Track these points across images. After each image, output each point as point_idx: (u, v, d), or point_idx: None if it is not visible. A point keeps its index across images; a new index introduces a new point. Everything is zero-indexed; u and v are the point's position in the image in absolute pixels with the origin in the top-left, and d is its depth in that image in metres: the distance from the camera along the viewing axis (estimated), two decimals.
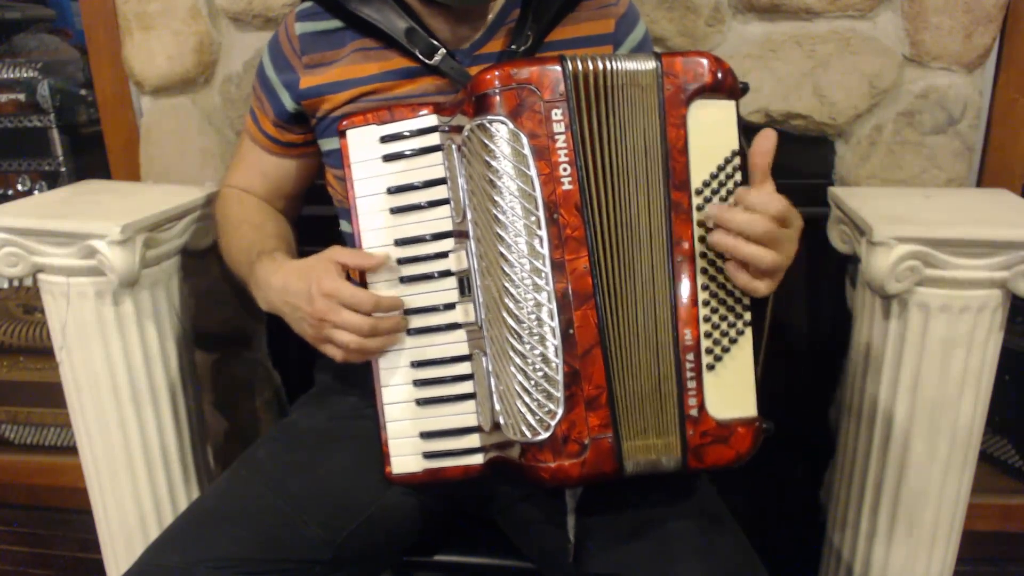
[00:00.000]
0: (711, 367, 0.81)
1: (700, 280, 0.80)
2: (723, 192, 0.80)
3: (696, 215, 0.80)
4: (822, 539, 1.36)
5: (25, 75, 1.68)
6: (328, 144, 1.01)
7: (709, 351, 0.81)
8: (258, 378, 1.62)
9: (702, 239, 0.80)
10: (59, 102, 1.69)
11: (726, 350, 0.81)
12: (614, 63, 0.79)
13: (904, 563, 1.20)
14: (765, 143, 0.79)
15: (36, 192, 1.76)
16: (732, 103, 0.80)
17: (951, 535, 1.20)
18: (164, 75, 1.42)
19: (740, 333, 0.82)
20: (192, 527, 0.88)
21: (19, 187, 1.77)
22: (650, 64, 0.79)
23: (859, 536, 1.24)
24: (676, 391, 0.80)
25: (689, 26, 1.30)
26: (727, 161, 0.80)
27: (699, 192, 0.80)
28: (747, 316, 0.82)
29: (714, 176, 0.80)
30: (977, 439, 1.16)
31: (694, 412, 0.80)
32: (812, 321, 1.45)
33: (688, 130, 0.79)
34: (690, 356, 0.80)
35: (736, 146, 0.80)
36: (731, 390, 0.82)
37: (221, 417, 1.64)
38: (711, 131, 0.80)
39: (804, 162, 1.36)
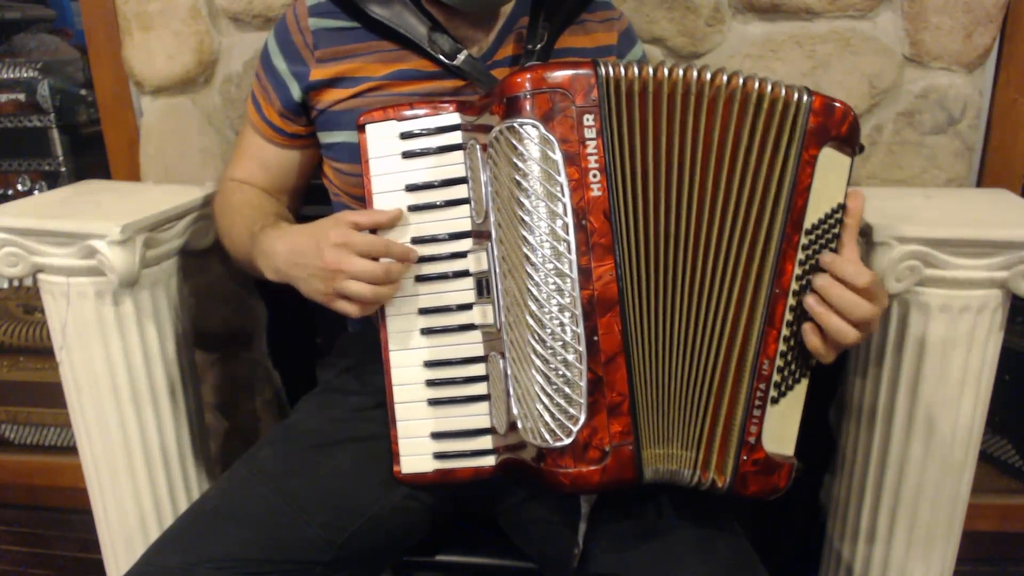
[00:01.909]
0: (775, 401, 0.81)
1: (788, 317, 0.81)
2: (824, 240, 0.81)
3: (800, 254, 0.80)
4: (822, 539, 1.36)
5: (25, 75, 1.68)
6: (329, 137, 1.01)
7: (777, 386, 0.81)
8: (258, 378, 1.63)
9: (799, 277, 0.80)
10: (59, 102, 1.69)
11: (790, 388, 0.82)
12: (657, 71, 0.78)
13: (904, 563, 1.20)
14: (858, 203, 0.81)
15: (36, 192, 1.76)
16: (849, 159, 0.81)
17: (951, 535, 1.20)
18: (164, 75, 1.43)
19: (803, 375, 0.83)
20: (193, 527, 0.88)
21: (19, 187, 1.77)
22: (805, 96, 0.79)
23: (859, 536, 1.24)
24: (741, 416, 0.80)
25: (689, 26, 1.30)
26: (833, 212, 0.81)
27: (808, 232, 0.80)
28: (812, 361, 0.83)
29: (822, 222, 0.80)
30: (977, 439, 1.16)
31: (752, 440, 0.80)
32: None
33: (815, 172, 0.79)
34: (762, 386, 0.80)
35: (843, 200, 0.81)
36: (783, 427, 0.82)
37: (221, 417, 1.64)
38: (829, 180, 0.80)
39: None
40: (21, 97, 1.69)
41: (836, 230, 0.81)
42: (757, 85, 0.78)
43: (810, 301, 0.79)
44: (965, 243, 1.06)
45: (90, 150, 1.65)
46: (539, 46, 0.94)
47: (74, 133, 1.73)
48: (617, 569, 0.84)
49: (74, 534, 1.83)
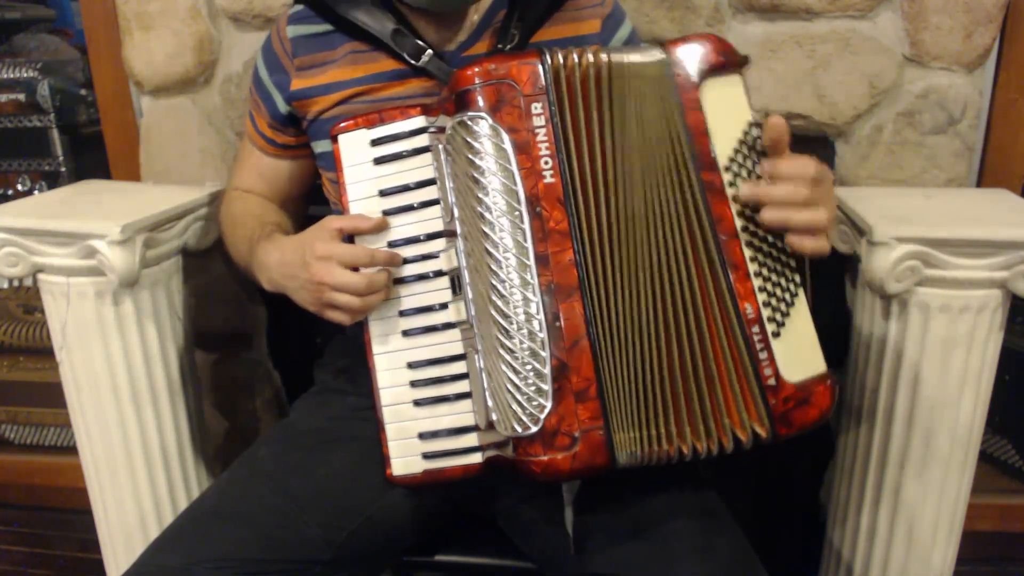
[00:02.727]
0: (776, 334, 0.81)
1: (747, 253, 0.80)
2: (748, 164, 0.81)
3: (729, 191, 0.80)
4: (822, 539, 1.36)
5: (25, 75, 1.68)
6: (320, 146, 1.02)
7: (771, 319, 0.81)
8: (258, 378, 1.63)
9: (740, 214, 0.80)
10: (59, 102, 1.69)
11: (786, 315, 0.81)
12: (602, 56, 0.79)
13: (904, 563, 1.20)
14: (775, 127, 0.79)
15: (36, 192, 1.76)
16: (739, 77, 0.81)
17: (951, 535, 1.20)
18: (164, 75, 1.43)
19: (795, 296, 0.82)
20: (192, 527, 0.88)
21: (19, 187, 1.77)
22: (657, 55, 0.79)
23: (859, 536, 1.24)
24: (750, 365, 0.80)
25: (689, 26, 1.30)
26: (745, 134, 0.81)
27: (728, 169, 0.80)
28: (797, 278, 0.82)
29: (737, 151, 0.81)
30: (977, 439, 1.16)
31: (772, 382, 0.80)
32: (812, 321, 1.45)
33: (705, 112, 0.80)
34: (755, 328, 0.80)
35: (750, 117, 0.81)
36: (799, 351, 0.81)
37: (221, 417, 1.64)
38: (725, 108, 0.80)
39: None
40: (21, 97, 1.69)
41: (758, 147, 0.81)
42: (613, 57, 0.79)
43: (766, 215, 0.79)
44: (965, 243, 1.06)
45: (90, 150, 1.65)
46: (509, 47, 0.95)
47: (74, 133, 1.73)
48: (616, 568, 0.84)
49: (74, 534, 1.83)
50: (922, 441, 1.14)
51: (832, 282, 1.35)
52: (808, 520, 1.47)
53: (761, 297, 0.80)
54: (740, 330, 0.80)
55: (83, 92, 1.71)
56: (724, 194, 0.80)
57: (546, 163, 0.78)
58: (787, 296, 0.81)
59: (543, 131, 0.78)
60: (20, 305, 1.86)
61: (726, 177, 0.80)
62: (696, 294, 0.80)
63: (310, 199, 1.18)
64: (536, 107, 0.78)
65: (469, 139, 0.78)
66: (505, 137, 0.77)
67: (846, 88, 1.29)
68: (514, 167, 0.77)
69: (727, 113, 0.80)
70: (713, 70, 0.80)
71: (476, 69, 0.78)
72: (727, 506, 0.92)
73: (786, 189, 0.77)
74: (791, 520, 1.51)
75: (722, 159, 0.80)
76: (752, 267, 0.80)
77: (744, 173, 0.80)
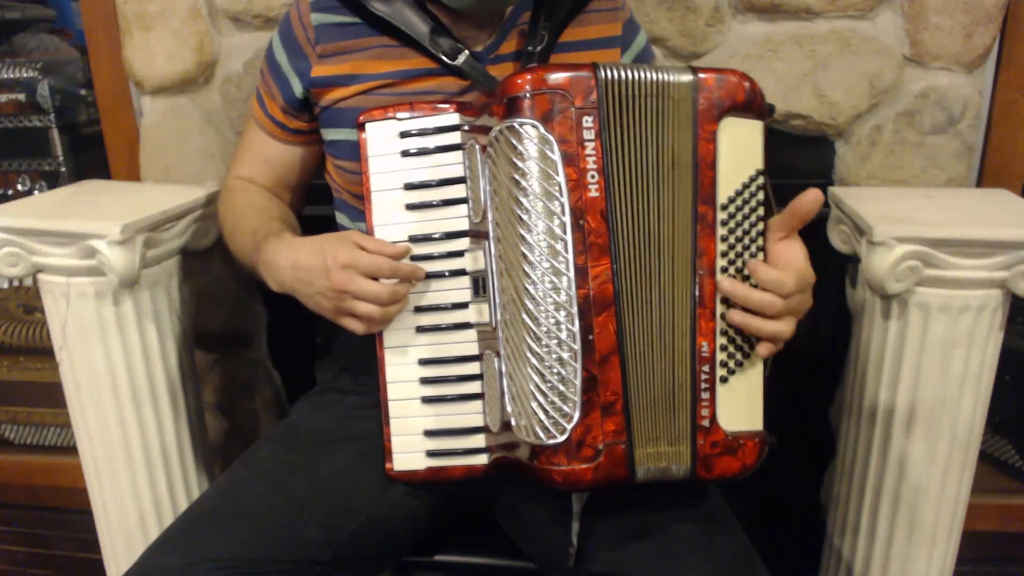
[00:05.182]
0: (724, 380, 0.82)
1: (719, 294, 0.81)
2: (746, 209, 0.81)
3: (720, 230, 0.80)
4: (822, 539, 1.36)
5: (25, 75, 1.68)
6: (331, 134, 1.01)
7: (723, 364, 0.81)
8: (258, 378, 1.62)
9: (724, 254, 0.80)
10: (59, 102, 1.69)
11: (739, 364, 0.82)
12: (648, 73, 0.79)
13: (904, 563, 1.20)
14: (808, 201, 0.79)
15: (36, 192, 1.75)
16: (760, 123, 0.81)
17: (951, 535, 1.20)
18: (164, 75, 1.42)
19: (752, 349, 0.82)
20: (192, 527, 0.88)
21: (19, 187, 1.77)
22: (686, 77, 0.79)
23: (859, 536, 1.24)
24: (690, 401, 0.81)
25: (689, 26, 1.30)
26: (752, 180, 0.81)
27: (724, 207, 0.80)
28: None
29: (739, 193, 0.81)
30: (977, 439, 1.16)
31: (706, 423, 0.81)
32: (812, 321, 1.44)
33: (718, 145, 0.79)
34: (706, 368, 0.81)
35: (761, 165, 0.81)
36: (741, 404, 0.82)
37: (221, 417, 1.64)
38: (738, 149, 0.80)
39: (804, 162, 1.36)
40: (21, 97, 1.69)
41: (759, 196, 0.81)
42: (633, 74, 0.78)
43: (736, 318, 0.80)
44: (965, 243, 1.06)
45: (90, 150, 1.65)
46: (539, 48, 0.94)
47: (74, 133, 1.73)
48: (618, 568, 0.84)
49: (74, 534, 1.83)
50: (922, 441, 1.14)
51: (832, 282, 1.35)
52: (808, 520, 1.47)
53: (720, 340, 0.81)
54: (691, 365, 0.81)
55: (83, 92, 1.71)
56: (713, 230, 0.80)
57: (592, 177, 0.77)
58: (746, 347, 0.82)
59: (592, 145, 0.77)
60: (20, 305, 1.86)
61: (720, 215, 0.80)
62: (676, 321, 0.81)
63: (310, 194, 1.17)
64: (587, 120, 0.77)
65: (517, 144, 0.78)
66: (555, 147, 0.77)
67: (846, 88, 1.29)
68: (561, 178, 0.77)
69: (739, 154, 0.80)
70: (737, 108, 0.80)
71: (529, 76, 0.78)
72: (728, 506, 0.92)
73: (764, 298, 0.79)
74: (791, 520, 1.51)
75: (722, 197, 0.80)
76: (720, 309, 0.81)
77: (740, 217, 0.81)
